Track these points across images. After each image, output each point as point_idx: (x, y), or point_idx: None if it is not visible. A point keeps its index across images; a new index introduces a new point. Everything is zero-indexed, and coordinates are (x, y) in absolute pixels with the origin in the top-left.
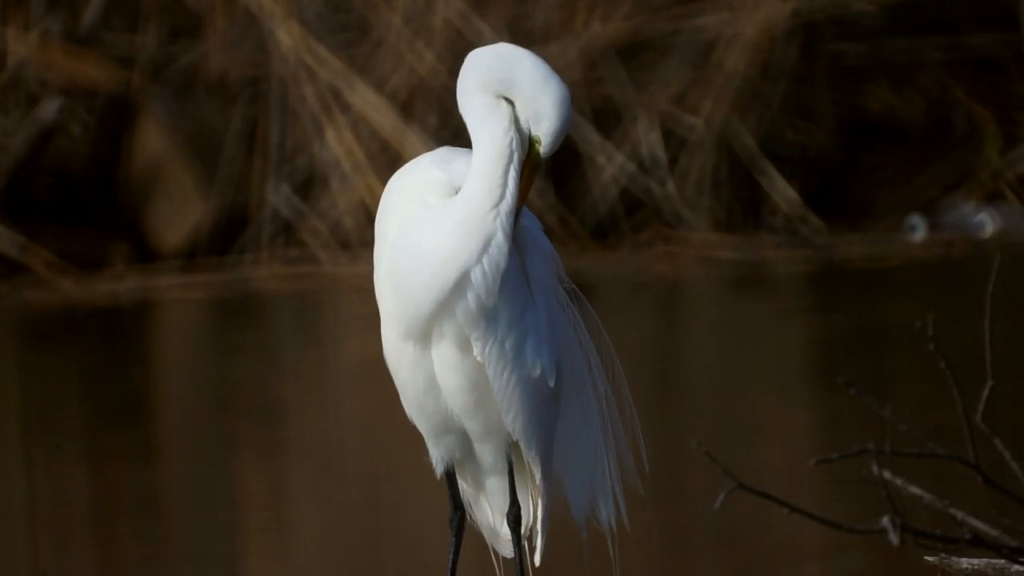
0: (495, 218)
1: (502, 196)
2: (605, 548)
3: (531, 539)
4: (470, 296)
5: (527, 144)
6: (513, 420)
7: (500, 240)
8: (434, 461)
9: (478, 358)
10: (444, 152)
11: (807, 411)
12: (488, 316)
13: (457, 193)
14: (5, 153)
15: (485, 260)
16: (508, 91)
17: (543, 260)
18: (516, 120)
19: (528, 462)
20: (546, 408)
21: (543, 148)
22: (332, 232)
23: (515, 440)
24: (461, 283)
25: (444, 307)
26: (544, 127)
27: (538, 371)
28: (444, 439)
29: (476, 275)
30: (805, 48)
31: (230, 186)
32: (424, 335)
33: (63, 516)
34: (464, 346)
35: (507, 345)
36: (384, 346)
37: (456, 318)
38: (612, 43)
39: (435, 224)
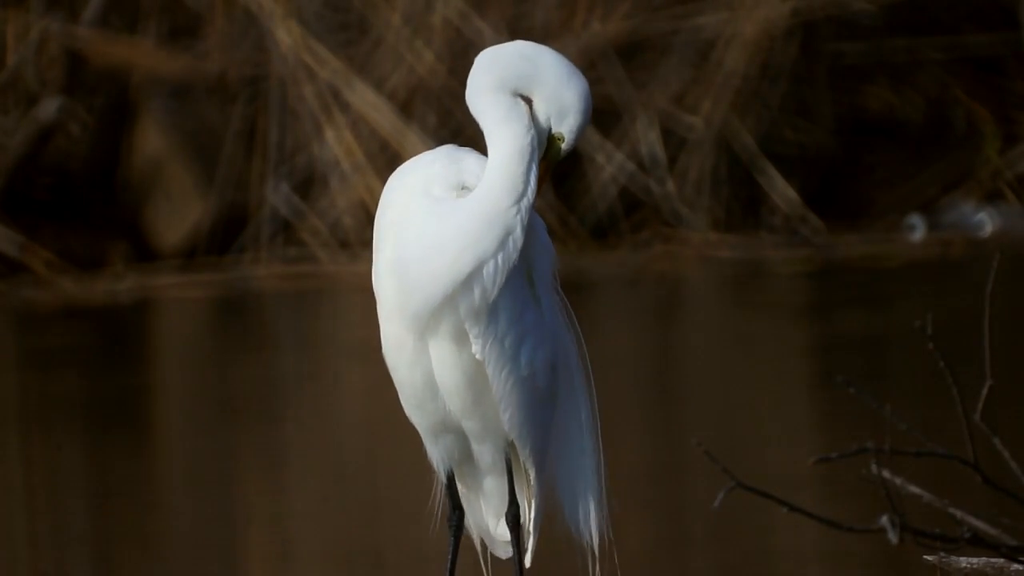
0: (516, 214)
1: (524, 193)
2: (611, 553)
3: (522, 540)
4: (476, 289)
5: (545, 141)
6: (510, 418)
7: (517, 235)
8: (435, 463)
9: (477, 356)
10: (447, 150)
11: (806, 410)
12: (489, 313)
13: (463, 189)
14: (4, 152)
15: (501, 255)
16: (528, 88)
17: (547, 259)
18: (534, 118)
19: (523, 462)
20: (542, 408)
21: (566, 144)
22: (331, 231)
23: (511, 439)
24: (473, 275)
25: (451, 299)
26: (569, 123)
27: (534, 370)
28: (443, 439)
29: (489, 268)
30: (804, 47)
31: (229, 185)
32: (427, 328)
33: (63, 516)
34: (462, 344)
35: (506, 343)
36: (382, 344)
37: (458, 312)
38: (611, 42)
39: (452, 215)
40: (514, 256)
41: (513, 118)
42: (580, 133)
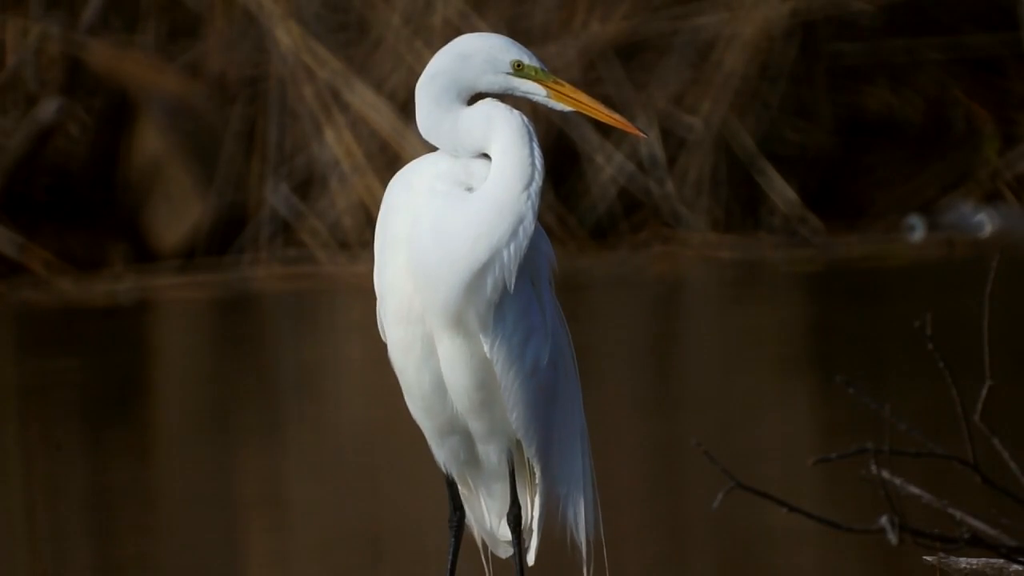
0: (527, 200)
1: (532, 177)
2: (600, 551)
3: (525, 539)
4: (491, 278)
5: (524, 85)
6: (518, 417)
7: (529, 222)
8: (440, 463)
9: (488, 355)
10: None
11: (805, 410)
12: (496, 311)
13: (468, 190)
14: (4, 153)
15: (513, 243)
16: (468, 75)
17: (545, 260)
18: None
19: (529, 460)
20: (546, 405)
21: (535, 61)
22: (331, 232)
23: (518, 438)
24: (488, 264)
25: (472, 289)
26: (509, 49)
27: (538, 368)
28: (448, 440)
29: (503, 257)
30: (804, 48)
31: (229, 186)
32: (457, 321)
33: (63, 516)
34: (471, 344)
35: (514, 342)
36: (389, 348)
37: (476, 302)
38: (611, 43)
39: (463, 205)
40: (525, 243)
41: (494, 111)
42: (522, 46)
